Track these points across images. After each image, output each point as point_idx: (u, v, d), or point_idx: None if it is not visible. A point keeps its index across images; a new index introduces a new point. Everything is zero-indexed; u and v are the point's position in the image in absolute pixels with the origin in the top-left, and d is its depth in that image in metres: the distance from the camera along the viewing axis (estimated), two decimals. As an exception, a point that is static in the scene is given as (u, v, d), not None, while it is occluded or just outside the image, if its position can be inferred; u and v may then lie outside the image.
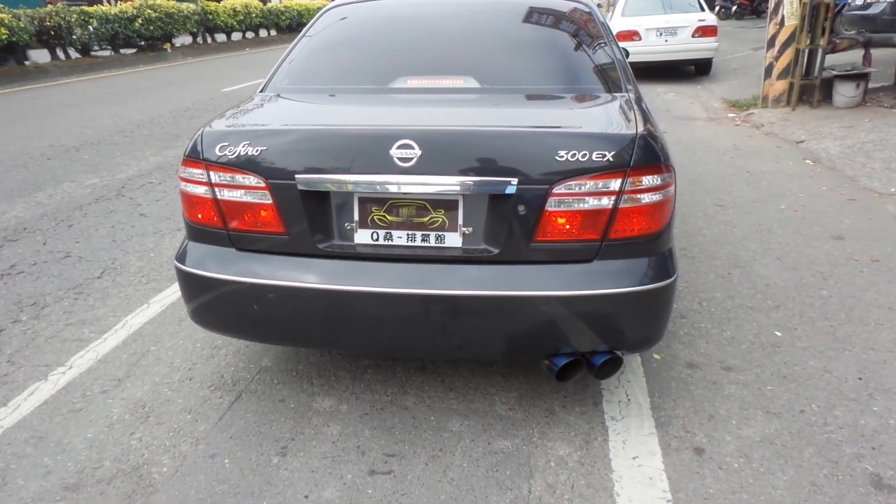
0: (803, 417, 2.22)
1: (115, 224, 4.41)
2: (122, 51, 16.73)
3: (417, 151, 1.88)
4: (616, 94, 2.33)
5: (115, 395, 2.47)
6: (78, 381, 2.57)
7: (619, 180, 1.87)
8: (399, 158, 1.89)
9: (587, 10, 2.79)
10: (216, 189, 2.05)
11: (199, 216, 2.12)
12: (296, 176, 1.96)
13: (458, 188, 1.90)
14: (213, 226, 2.10)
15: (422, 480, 1.98)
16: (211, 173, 2.04)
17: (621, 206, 1.89)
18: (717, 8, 22.91)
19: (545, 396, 2.37)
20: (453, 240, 1.98)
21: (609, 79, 2.44)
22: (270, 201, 2.00)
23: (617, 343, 2.01)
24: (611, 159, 1.86)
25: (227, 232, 2.09)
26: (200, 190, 2.08)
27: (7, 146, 6.79)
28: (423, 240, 2.00)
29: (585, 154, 1.86)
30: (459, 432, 2.19)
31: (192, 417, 2.32)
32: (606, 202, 1.88)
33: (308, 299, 2.02)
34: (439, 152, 1.91)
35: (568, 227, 1.91)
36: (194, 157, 2.07)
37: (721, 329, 2.81)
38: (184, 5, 18.72)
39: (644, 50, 10.49)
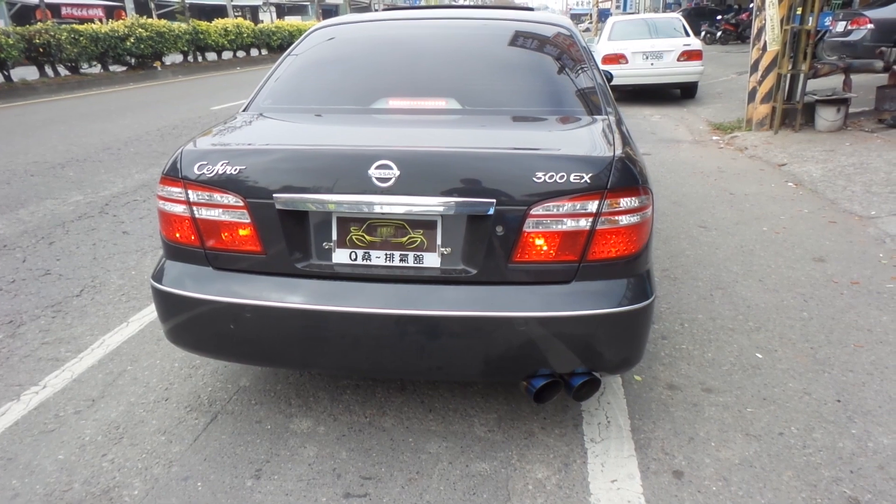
0: (782, 440, 2.21)
1: (97, 242, 4.38)
2: (112, 68, 16.76)
3: (396, 172, 1.88)
4: (596, 117, 2.34)
5: (88, 415, 2.42)
6: (51, 402, 2.52)
7: (597, 202, 1.88)
8: (377, 179, 1.89)
9: (569, 33, 2.83)
10: (194, 208, 2.04)
11: (177, 235, 2.10)
12: (274, 195, 1.95)
13: (436, 208, 1.90)
14: (190, 244, 2.09)
15: (398, 504, 1.95)
16: (189, 192, 2.03)
17: (599, 227, 1.89)
18: (702, 33, 23.38)
19: (525, 418, 2.35)
20: (432, 260, 1.98)
21: (589, 101, 2.46)
22: (248, 220, 1.99)
23: (595, 364, 2.00)
24: (588, 181, 1.87)
25: (205, 251, 2.07)
26: (179, 209, 2.07)
27: (-9, 162, 6.75)
28: (401, 260, 1.99)
29: (563, 176, 1.87)
30: (437, 454, 2.17)
31: (167, 439, 2.28)
32: (584, 224, 1.89)
33: (285, 319, 2.00)
34: (418, 173, 1.91)
35: (546, 248, 1.91)
36: (173, 176, 2.06)
37: (702, 350, 2.82)
38: (175, 25, 18.83)
39: (630, 73, 10.65)
